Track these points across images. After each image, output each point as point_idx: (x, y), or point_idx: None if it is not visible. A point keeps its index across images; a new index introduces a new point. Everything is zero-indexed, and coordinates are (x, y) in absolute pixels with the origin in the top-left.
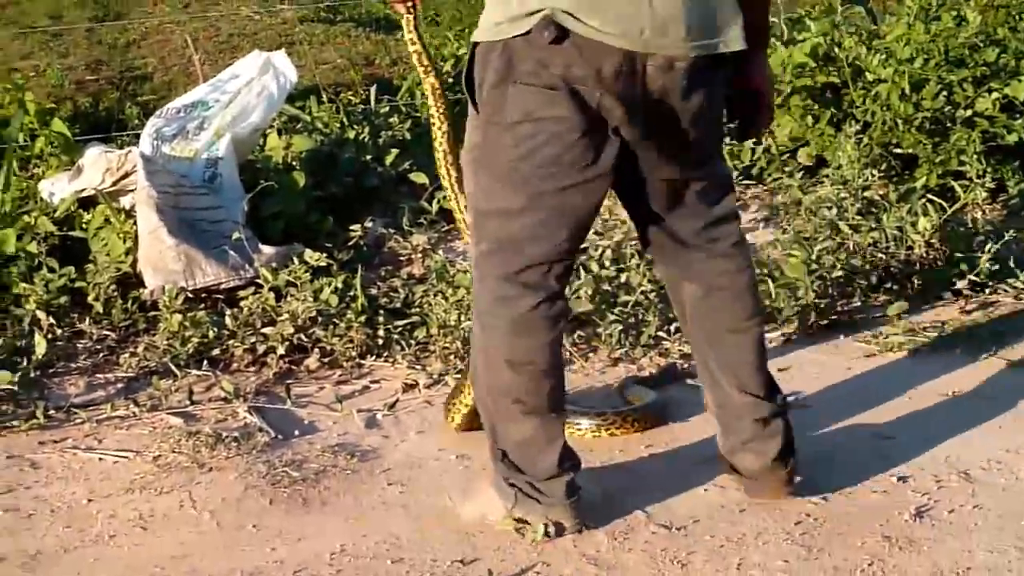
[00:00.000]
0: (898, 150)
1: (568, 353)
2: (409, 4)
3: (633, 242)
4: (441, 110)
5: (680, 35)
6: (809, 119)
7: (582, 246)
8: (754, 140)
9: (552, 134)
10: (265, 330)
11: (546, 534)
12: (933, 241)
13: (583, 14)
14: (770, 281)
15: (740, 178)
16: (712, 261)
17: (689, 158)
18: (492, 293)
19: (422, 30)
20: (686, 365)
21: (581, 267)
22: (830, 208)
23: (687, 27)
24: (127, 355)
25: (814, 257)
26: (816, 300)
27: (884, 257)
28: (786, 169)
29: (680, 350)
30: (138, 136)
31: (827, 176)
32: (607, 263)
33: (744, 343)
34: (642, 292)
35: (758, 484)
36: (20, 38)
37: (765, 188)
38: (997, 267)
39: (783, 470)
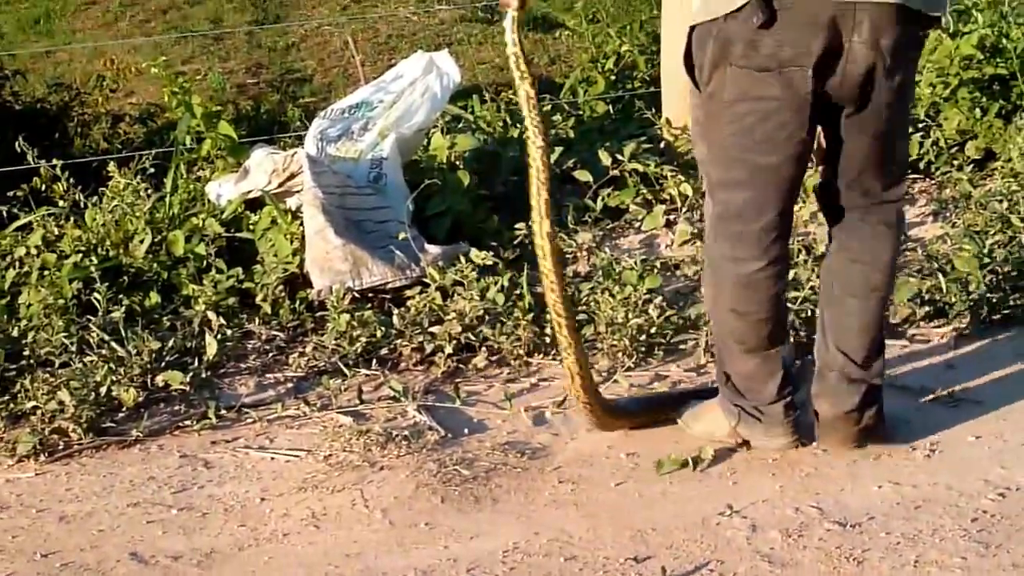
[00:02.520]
0: None
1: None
2: (518, 2)
3: None
4: (536, 121)
5: None
6: (977, 112)
7: None
8: (922, 133)
9: (765, 112)
10: (433, 329)
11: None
12: None
13: None
14: (940, 276)
15: (908, 172)
16: (863, 234)
17: (881, 127)
18: (723, 253)
19: (523, 33)
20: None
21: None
22: (1000, 201)
23: None
24: (296, 355)
25: (985, 251)
26: (988, 295)
27: None
28: (954, 162)
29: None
30: (301, 138)
31: (996, 169)
32: None
33: (857, 309)
34: None
35: (827, 430)
36: (182, 42)
37: (933, 182)
38: None
39: (853, 426)
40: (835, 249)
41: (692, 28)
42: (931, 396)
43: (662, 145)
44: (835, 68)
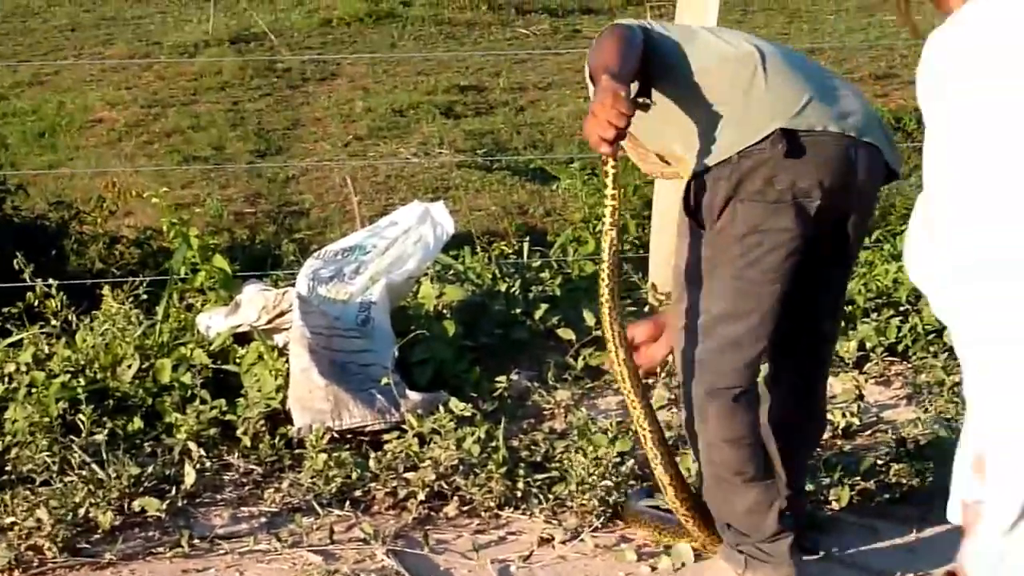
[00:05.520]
0: None
1: None
2: (616, 155)
3: None
4: (611, 267)
5: (876, 128)
6: None
7: None
8: (900, 318)
9: (776, 243)
10: (407, 475)
11: None
12: None
13: (807, 118)
14: (909, 460)
15: (885, 354)
16: (819, 352)
17: (853, 261)
18: (711, 385)
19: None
20: None
21: None
22: None
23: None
24: (272, 490)
25: (956, 439)
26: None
27: None
28: (931, 349)
29: None
30: (293, 274)
31: None
32: None
33: (809, 430)
34: None
35: None
36: (183, 166)
37: (909, 366)
38: None
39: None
40: (784, 379)
41: (700, 171)
42: None
43: (646, 309)
44: (838, 202)
